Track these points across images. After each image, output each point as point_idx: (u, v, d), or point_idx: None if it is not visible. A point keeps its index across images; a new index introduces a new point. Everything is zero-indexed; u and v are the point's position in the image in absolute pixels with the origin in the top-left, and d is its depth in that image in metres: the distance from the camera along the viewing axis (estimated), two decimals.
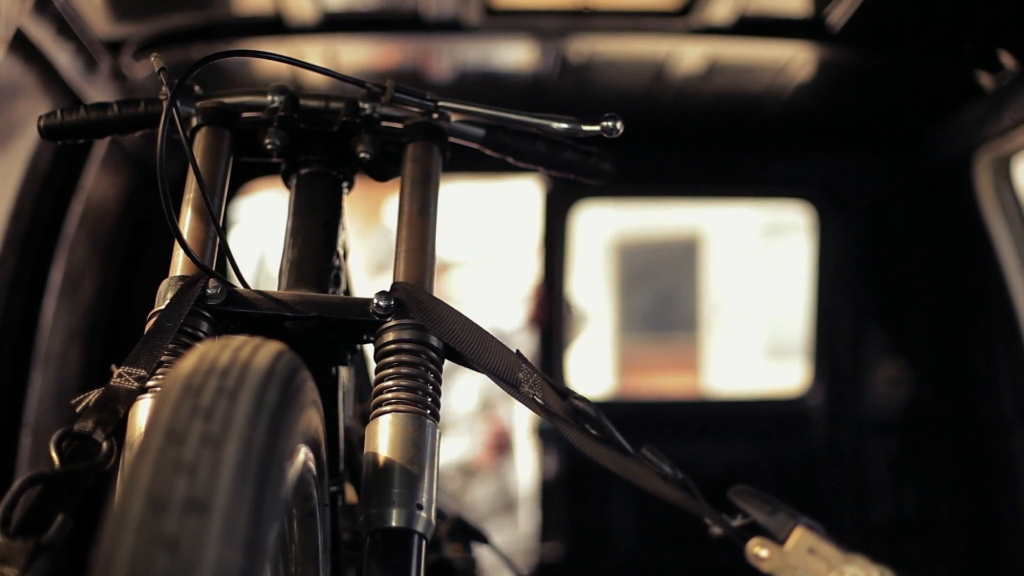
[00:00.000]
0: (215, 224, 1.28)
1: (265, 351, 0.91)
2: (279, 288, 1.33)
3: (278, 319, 1.22)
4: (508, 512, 4.80)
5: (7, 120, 2.08)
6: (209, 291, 1.20)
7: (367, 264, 5.29)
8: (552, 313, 3.15)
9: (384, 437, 1.15)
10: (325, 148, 1.41)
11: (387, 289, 1.24)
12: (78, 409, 1.10)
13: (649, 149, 3.16)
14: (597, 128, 1.36)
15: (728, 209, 8.60)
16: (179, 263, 1.24)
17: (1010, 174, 2.76)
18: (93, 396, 1.11)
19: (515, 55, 2.69)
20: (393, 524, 1.11)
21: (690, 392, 9.21)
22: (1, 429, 2.39)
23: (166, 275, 1.23)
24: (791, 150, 3.27)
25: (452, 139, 1.44)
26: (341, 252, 1.42)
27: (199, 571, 0.72)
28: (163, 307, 1.18)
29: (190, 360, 0.88)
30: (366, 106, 1.40)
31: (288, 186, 1.43)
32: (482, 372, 1.21)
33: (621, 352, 9.74)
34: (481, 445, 5.09)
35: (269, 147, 1.39)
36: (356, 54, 2.68)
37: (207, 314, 1.20)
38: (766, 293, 8.42)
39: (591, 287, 9.75)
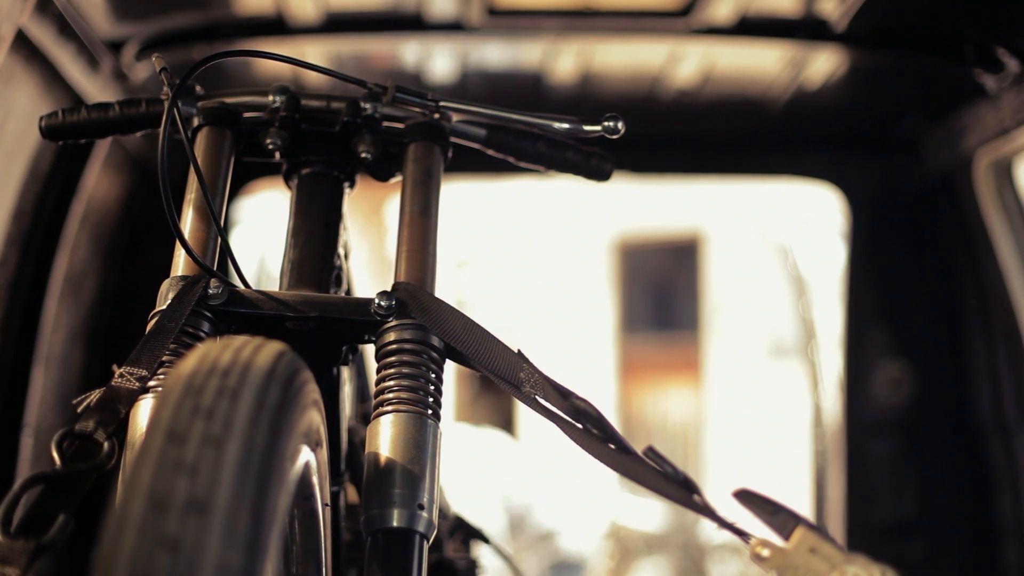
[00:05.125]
0: (216, 224, 1.28)
1: (266, 351, 0.91)
2: (280, 288, 1.34)
3: (279, 319, 1.22)
4: None
5: (8, 120, 2.08)
6: (210, 291, 1.20)
7: None
8: None
9: (385, 437, 1.15)
10: (326, 148, 1.41)
11: (388, 289, 1.24)
12: (79, 409, 1.10)
13: (649, 148, 3.16)
14: (599, 128, 1.36)
15: (728, 210, 8.60)
16: (180, 263, 1.24)
17: (1011, 174, 2.76)
18: (94, 396, 1.11)
19: (517, 55, 2.69)
20: (394, 524, 1.11)
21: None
22: (2, 429, 2.39)
23: (167, 275, 1.23)
24: (791, 150, 3.27)
25: (453, 139, 1.44)
26: (342, 252, 1.42)
27: (200, 571, 0.72)
28: (164, 307, 1.18)
29: (191, 360, 0.88)
30: (367, 106, 1.41)
31: (289, 186, 1.44)
32: (483, 372, 1.21)
33: (621, 352, 9.75)
34: None
35: (270, 147, 1.39)
36: (358, 54, 2.68)
37: (208, 314, 1.20)
38: (766, 293, 8.42)
39: (591, 287, 9.75)
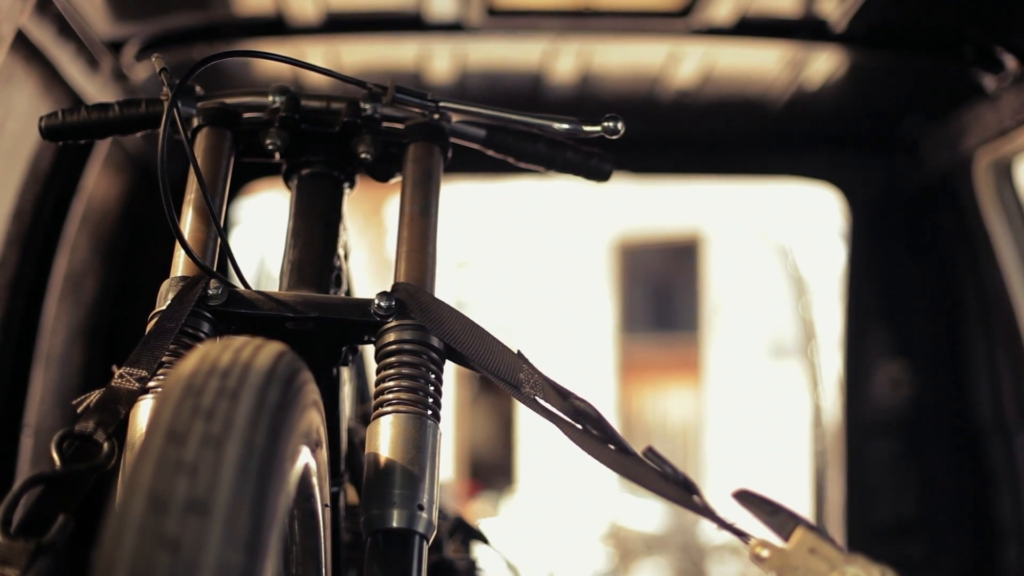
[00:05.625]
0: (216, 225, 1.28)
1: (266, 352, 0.91)
2: (280, 289, 1.34)
3: (279, 320, 1.22)
4: None
5: (8, 120, 2.08)
6: (210, 292, 1.20)
7: None
8: None
9: (385, 438, 1.15)
10: (326, 149, 1.41)
11: (388, 290, 1.24)
12: (79, 410, 1.10)
13: (649, 149, 3.16)
14: (598, 128, 1.36)
15: (728, 210, 8.59)
16: (180, 264, 1.24)
17: (1011, 174, 2.76)
18: (94, 397, 1.11)
19: (517, 55, 2.69)
20: (394, 525, 1.11)
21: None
22: (2, 430, 2.39)
23: (167, 276, 1.23)
24: (791, 150, 3.27)
25: (453, 139, 1.44)
26: (342, 252, 1.42)
27: (200, 572, 0.72)
28: (164, 308, 1.18)
29: (191, 361, 0.88)
30: (367, 106, 1.41)
31: (289, 187, 1.44)
32: (483, 373, 1.21)
33: (621, 352, 9.75)
34: None
35: (270, 147, 1.39)
36: (357, 54, 2.68)
37: (208, 315, 1.20)
38: (766, 293, 8.42)
39: (591, 287, 9.76)
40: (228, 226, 2.96)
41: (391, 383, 1.18)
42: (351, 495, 1.53)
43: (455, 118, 1.45)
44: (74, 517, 0.97)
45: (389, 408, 1.17)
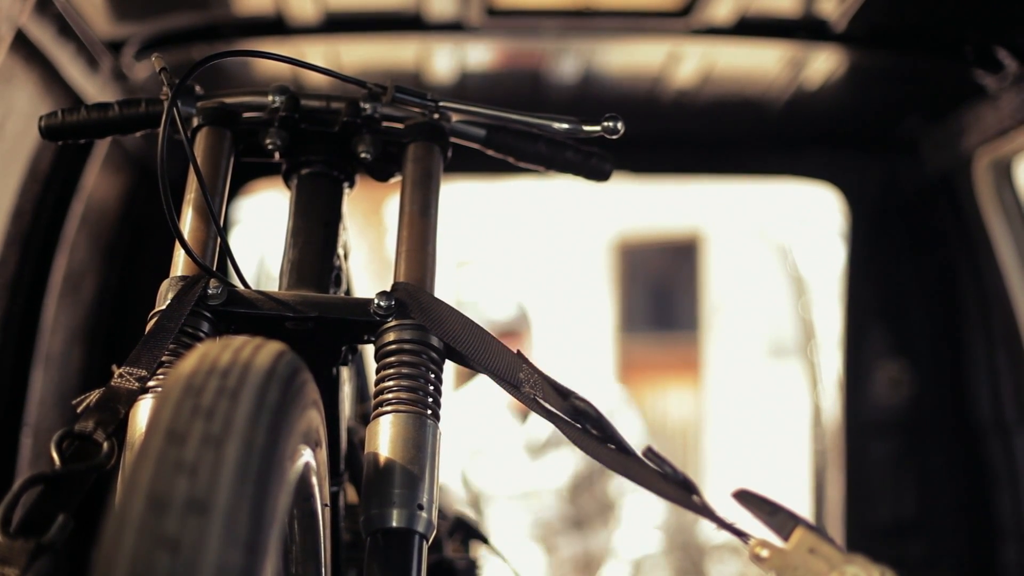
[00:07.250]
0: (216, 224, 1.28)
1: (266, 351, 0.91)
2: (280, 288, 1.34)
3: (279, 319, 1.22)
4: None
5: (8, 120, 2.08)
6: (210, 291, 1.20)
7: None
8: None
9: (385, 437, 1.15)
10: (326, 148, 1.41)
11: (388, 289, 1.24)
12: (79, 409, 1.10)
13: (649, 148, 3.16)
14: (598, 128, 1.36)
15: (728, 210, 8.60)
16: (180, 263, 1.24)
17: (1011, 174, 2.76)
18: (94, 396, 1.11)
19: (517, 55, 2.69)
20: (394, 524, 1.11)
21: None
22: (2, 429, 2.39)
23: (167, 275, 1.23)
24: (790, 150, 3.27)
25: (453, 139, 1.44)
26: (342, 252, 1.42)
27: (200, 571, 0.72)
28: (164, 307, 1.18)
29: (191, 360, 0.88)
30: (367, 106, 1.41)
31: (289, 186, 1.44)
32: (483, 372, 1.21)
33: (621, 352, 9.75)
34: None
35: (270, 147, 1.39)
36: (357, 54, 2.68)
37: (208, 314, 1.20)
38: (766, 293, 8.42)
39: (591, 287, 9.76)
40: (228, 226, 2.96)
41: (391, 383, 1.18)
42: (351, 495, 1.53)
43: (455, 118, 1.45)
44: (74, 517, 0.97)
45: (389, 408, 1.17)
